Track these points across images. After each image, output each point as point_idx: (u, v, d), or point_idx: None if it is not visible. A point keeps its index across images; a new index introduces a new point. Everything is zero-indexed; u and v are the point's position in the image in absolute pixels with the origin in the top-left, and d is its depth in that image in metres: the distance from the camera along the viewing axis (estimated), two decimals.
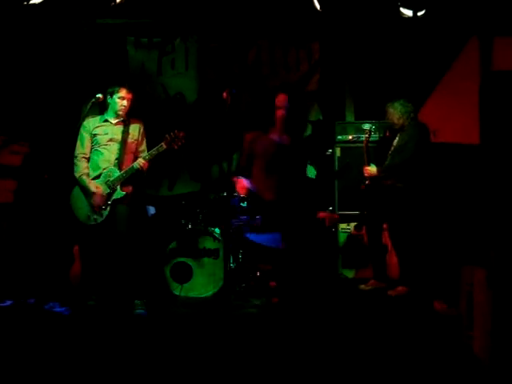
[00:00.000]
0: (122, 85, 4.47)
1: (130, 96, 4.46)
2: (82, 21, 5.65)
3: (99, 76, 5.69)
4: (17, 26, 5.38)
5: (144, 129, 4.56)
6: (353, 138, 5.54)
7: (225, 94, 3.22)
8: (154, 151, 4.34)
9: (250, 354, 3.14)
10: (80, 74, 5.73)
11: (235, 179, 4.28)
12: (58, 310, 4.23)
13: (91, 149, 4.43)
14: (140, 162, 4.31)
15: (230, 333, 3.35)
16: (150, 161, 4.37)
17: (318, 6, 5.26)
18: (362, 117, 5.79)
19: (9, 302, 4.42)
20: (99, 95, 4.35)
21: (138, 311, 4.24)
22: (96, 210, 4.29)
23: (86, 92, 5.29)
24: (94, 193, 4.29)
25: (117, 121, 4.47)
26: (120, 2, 5.15)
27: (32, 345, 3.41)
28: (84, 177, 4.36)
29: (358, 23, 5.65)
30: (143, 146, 4.51)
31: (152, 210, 5.66)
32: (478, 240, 4.74)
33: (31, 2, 5.02)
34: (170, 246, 5.02)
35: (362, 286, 4.87)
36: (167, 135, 4.34)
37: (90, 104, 4.35)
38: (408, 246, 4.57)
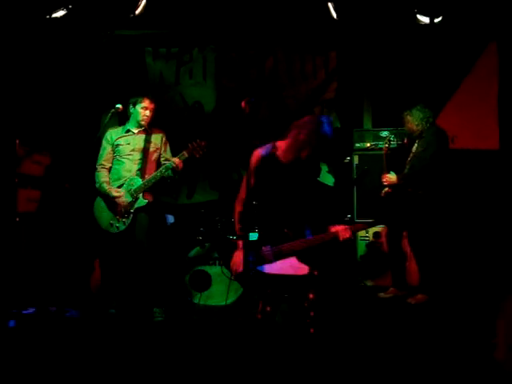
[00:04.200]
0: (144, 95, 4.52)
1: (152, 106, 4.51)
2: (102, 32, 5.74)
3: (118, 86, 5.77)
4: (39, 38, 5.48)
5: (166, 138, 4.61)
6: (371, 145, 5.52)
7: (243, 103, 3.22)
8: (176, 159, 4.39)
9: (268, 361, 3.14)
10: (99, 85, 5.82)
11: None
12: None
13: (113, 159, 4.49)
14: (175, 160, 4.34)
15: (247, 341, 3.35)
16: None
17: (334, 14, 5.27)
18: (379, 124, 5.78)
19: (32, 310, 4.48)
20: (119, 105, 4.41)
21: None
22: (120, 214, 4.33)
23: (106, 102, 5.37)
24: (115, 197, 4.34)
25: (139, 130, 4.53)
26: (138, 14, 5.23)
27: (53, 350, 3.45)
28: (104, 184, 4.41)
29: (375, 30, 5.65)
30: (168, 154, 4.56)
31: (171, 218, 5.70)
32: (499, 245, 4.69)
33: (53, 16, 5.12)
34: (190, 255, 5.04)
35: (382, 294, 4.85)
36: (190, 144, 4.38)
37: (110, 114, 4.41)
38: (428, 253, 4.53)
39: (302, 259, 3.18)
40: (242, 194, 3.36)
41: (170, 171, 4.35)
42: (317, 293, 3.18)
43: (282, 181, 3.30)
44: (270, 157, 3.33)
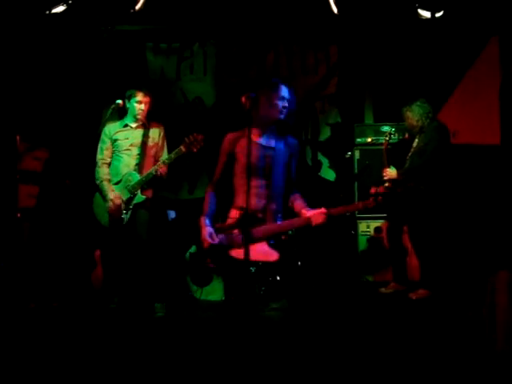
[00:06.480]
0: (138, 89, 4.50)
1: (147, 99, 4.49)
2: (102, 28, 5.73)
3: (119, 82, 5.76)
4: (39, 34, 5.48)
5: (164, 133, 4.59)
6: (372, 140, 5.52)
7: (243, 99, 3.20)
8: (172, 155, 4.35)
9: (267, 356, 3.15)
10: (100, 80, 5.81)
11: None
12: None
13: (112, 154, 4.48)
14: (158, 166, 4.33)
15: (248, 336, 3.36)
16: (170, 164, 4.39)
17: (335, 9, 5.25)
18: (380, 119, 5.78)
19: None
20: (119, 101, 4.40)
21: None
22: (112, 216, 4.32)
23: (106, 98, 5.37)
24: (110, 200, 4.33)
25: (137, 125, 4.51)
26: (139, 9, 5.21)
27: (54, 345, 3.46)
28: (105, 182, 4.40)
29: (375, 25, 5.63)
30: (163, 151, 4.54)
31: (172, 214, 5.70)
32: (501, 242, 4.68)
33: (53, 11, 5.11)
34: (191, 250, 5.05)
35: (383, 289, 4.85)
36: (186, 138, 4.35)
37: (110, 110, 4.40)
38: (429, 248, 4.53)
39: (271, 245, 3.14)
40: (216, 176, 3.41)
41: (153, 176, 4.32)
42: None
43: (255, 159, 3.20)
44: (242, 136, 3.29)
